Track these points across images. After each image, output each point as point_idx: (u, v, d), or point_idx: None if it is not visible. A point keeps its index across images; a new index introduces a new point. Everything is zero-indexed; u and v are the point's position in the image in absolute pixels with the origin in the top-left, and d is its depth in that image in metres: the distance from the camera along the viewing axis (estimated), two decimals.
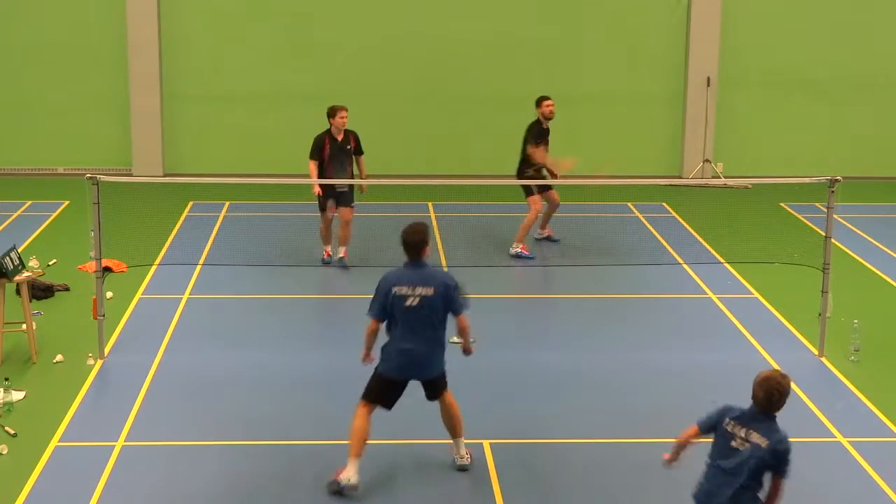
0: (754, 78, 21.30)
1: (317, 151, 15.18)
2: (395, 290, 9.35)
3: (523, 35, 21.01)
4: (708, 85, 20.97)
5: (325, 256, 15.71)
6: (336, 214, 15.48)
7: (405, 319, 9.37)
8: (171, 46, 20.76)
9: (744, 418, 7.59)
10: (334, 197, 15.36)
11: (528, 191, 15.95)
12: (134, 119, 20.80)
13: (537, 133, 15.86)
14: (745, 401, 7.55)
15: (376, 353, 9.62)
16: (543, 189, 16.10)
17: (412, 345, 9.40)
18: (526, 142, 15.89)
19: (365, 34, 20.89)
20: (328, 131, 15.26)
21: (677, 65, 21.18)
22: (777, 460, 7.44)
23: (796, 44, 21.27)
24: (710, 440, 7.73)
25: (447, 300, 9.39)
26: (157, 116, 20.80)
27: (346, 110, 15.24)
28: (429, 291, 9.36)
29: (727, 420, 7.64)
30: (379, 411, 9.61)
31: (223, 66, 20.95)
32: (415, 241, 9.39)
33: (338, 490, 9.36)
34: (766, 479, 7.51)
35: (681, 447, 7.99)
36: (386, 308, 9.42)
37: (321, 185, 15.10)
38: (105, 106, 21.02)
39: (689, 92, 21.09)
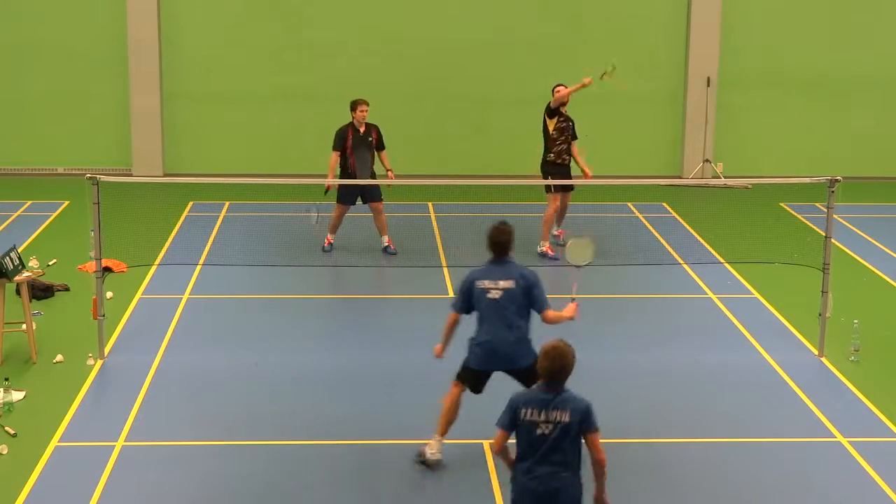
0: (754, 78, 21.28)
1: (339, 142, 15.64)
2: (478, 283, 9.67)
3: (523, 35, 21.01)
4: (708, 85, 20.97)
5: (326, 245, 16.06)
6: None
7: (487, 312, 9.65)
8: (171, 46, 20.75)
9: (537, 402, 7.35)
10: (362, 193, 15.68)
11: (547, 186, 15.82)
12: (134, 119, 20.79)
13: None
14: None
15: (448, 351, 9.92)
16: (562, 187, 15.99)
17: (492, 337, 9.64)
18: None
19: (365, 34, 20.89)
20: (351, 124, 15.72)
21: (677, 65, 21.18)
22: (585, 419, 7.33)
23: (796, 44, 21.26)
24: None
25: (528, 294, 9.64)
26: (157, 116, 20.79)
27: (367, 104, 15.75)
28: (510, 285, 9.61)
29: (523, 410, 7.37)
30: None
31: (223, 66, 20.94)
32: (501, 240, 9.71)
33: (422, 461, 9.81)
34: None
35: (507, 461, 7.66)
36: (469, 302, 9.73)
37: (344, 182, 15.41)
38: (105, 106, 21.01)
39: (689, 92, 21.08)
